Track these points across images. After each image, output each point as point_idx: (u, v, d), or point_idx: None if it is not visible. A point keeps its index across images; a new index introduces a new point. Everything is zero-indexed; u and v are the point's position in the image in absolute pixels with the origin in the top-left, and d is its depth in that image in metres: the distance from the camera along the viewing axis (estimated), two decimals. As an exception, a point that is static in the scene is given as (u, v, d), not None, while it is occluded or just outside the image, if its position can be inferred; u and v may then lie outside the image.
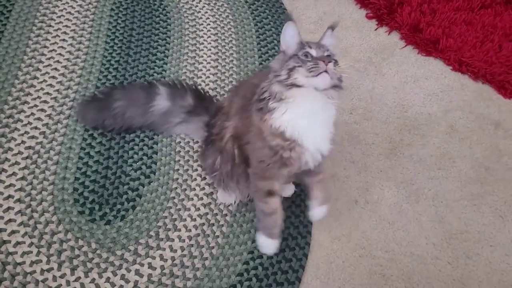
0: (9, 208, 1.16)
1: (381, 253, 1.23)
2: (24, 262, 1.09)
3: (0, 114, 1.31)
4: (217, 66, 1.54)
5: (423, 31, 1.72)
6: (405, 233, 1.27)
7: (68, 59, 1.47)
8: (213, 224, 1.21)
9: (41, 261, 1.10)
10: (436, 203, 1.33)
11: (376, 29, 1.78)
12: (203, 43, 1.60)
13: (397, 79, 1.62)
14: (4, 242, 1.11)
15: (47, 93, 1.39)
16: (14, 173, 1.22)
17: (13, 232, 1.13)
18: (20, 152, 1.26)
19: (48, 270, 1.09)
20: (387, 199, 1.33)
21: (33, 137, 1.29)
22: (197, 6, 1.71)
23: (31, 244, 1.12)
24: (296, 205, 1.28)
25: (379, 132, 1.47)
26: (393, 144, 1.45)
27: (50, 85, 1.41)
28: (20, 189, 1.19)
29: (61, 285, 1.07)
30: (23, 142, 1.28)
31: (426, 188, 1.36)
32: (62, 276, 1.08)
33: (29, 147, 1.27)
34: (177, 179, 1.27)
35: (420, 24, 1.74)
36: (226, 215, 1.23)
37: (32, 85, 1.39)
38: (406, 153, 1.43)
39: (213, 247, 1.17)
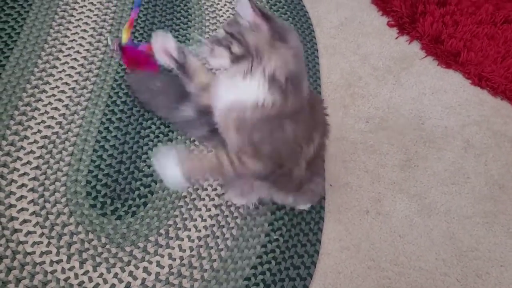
0: (22, 197, 1.16)
1: (390, 265, 1.22)
2: (34, 252, 1.09)
3: (18, 101, 1.31)
4: None
5: (444, 42, 1.70)
6: (415, 247, 1.26)
7: (88, 50, 1.47)
8: (223, 226, 1.21)
9: (51, 252, 1.10)
10: (448, 219, 1.32)
11: (396, 38, 1.76)
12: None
13: (416, 90, 1.61)
14: (16, 231, 1.11)
15: (65, 83, 1.39)
16: (29, 162, 1.22)
17: (24, 221, 1.13)
18: (35, 141, 1.26)
19: (58, 262, 1.09)
20: (399, 212, 1.32)
21: (49, 126, 1.29)
22: (218, 4, 1.70)
23: (42, 234, 1.12)
24: (307, 212, 1.27)
25: (395, 143, 1.46)
26: (408, 156, 1.43)
27: (69, 75, 1.40)
28: (34, 179, 1.20)
29: (69, 277, 1.08)
30: (39, 131, 1.28)
31: (439, 202, 1.35)
32: (70, 269, 1.09)
33: (45, 137, 1.27)
34: (190, 178, 1.27)
35: (442, 35, 1.72)
36: (236, 217, 1.23)
37: (51, 74, 1.39)
38: (420, 166, 1.41)
39: (222, 249, 1.17)
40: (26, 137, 1.26)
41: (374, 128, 1.49)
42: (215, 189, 1.27)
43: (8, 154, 1.22)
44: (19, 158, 1.22)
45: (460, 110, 1.56)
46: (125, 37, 1.24)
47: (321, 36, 1.72)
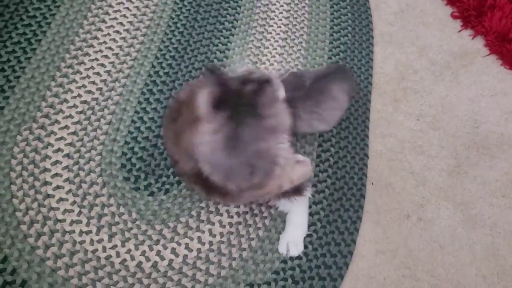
0: (57, 162, 1.15)
1: (426, 276, 1.16)
2: (64, 220, 1.08)
3: (61, 62, 1.28)
4: (283, 54, 1.45)
5: (511, 41, 1.57)
6: (455, 259, 1.19)
7: (134, 15, 1.42)
8: (256, 215, 1.16)
9: (81, 222, 1.09)
10: (493, 233, 1.24)
11: (459, 31, 1.64)
12: (272, 26, 1.51)
13: (474, 90, 1.50)
14: (48, 196, 1.10)
15: (109, 48, 1.35)
16: (66, 126, 1.20)
17: (58, 187, 1.11)
18: (75, 106, 1.23)
19: (87, 233, 1.08)
20: (442, 220, 1.24)
21: (89, 91, 1.26)
22: (274, 5, 1.61)
23: (74, 202, 1.10)
24: (345, 209, 1.21)
25: (445, 146, 1.37)
26: (458, 161, 1.34)
27: (114, 39, 1.36)
28: (70, 144, 1.17)
29: (97, 249, 1.06)
30: (79, 95, 1.25)
31: (486, 215, 1.26)
32: (99, 241, 1.07)
33: (85, 102, 1.24)
34: (227, 160, 1.22)
35: (510, 33, 1.58)
36: (270, 207, 1.18)
37: (95, 37, 1.35)
38: (470, 173, 1.32)
39: (252, 239, 1.13)
40: (65, 100, 1.24)
41: (424, 127, 1.40)
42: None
43: (46, 116, 1.20)
44: (57, 121, 1.20)
45: (520, 117, 1.45)
46: None
47: (378, 22, 1.62)
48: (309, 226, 1.17)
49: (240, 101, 0.81)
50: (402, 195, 1.28)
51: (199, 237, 1.12)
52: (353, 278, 1.14)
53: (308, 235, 1.16)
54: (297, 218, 1.14)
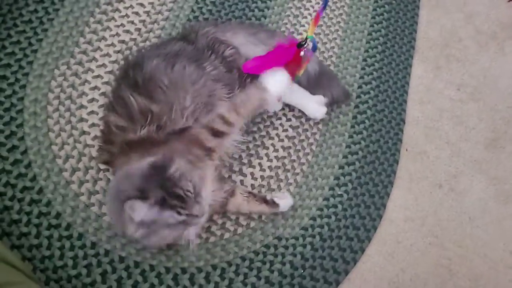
0: (93, 99, 1.13)
1: (453, 246, 1.15)
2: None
3: (100, -2, 1.25)
4: (321, 25, 1.39)
5: None
6: (483, 233, 1.18)
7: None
8: (288, 170, 1.15)
9: (115, 161, 1.08)
10: (524, 210, 1.22)
11: (509, 0, 1.56)
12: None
13: (519, 64, 1.44)
14: (84, 132, 1.09)
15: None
16: (104, 65, 1.18)
17: (93, 125, 1.11)
18: (113, 44, 1.21)
19: (120, 172, 1.08)
20: (474, 193, 1.23)
21: (128, 31, 1.23)
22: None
23: (109, 141, 1.10)
24: (377, 173, 1.20)
25: (484, 118, 1.33)
26: (496, 135, 1.31)
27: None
28: (107, 83, 1.16)
29: (130, 190, 1.06)
30: (117, 34, 1.22)
31: (519, 191, 1.24)
32: (132, 182, 1.07)
33: (123, 41, 1.22)
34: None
35: None
36: (302, 164, 1.17)
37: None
38: (507, 148, 1.30)
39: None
40: (104, 38, 1.21)
41: (465, 97, 1.36)
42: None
43: (84, 52, 1.18)
44: (95, 58, 1.18)
45: None
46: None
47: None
48: (339, 187, 1.17)
49: None
50: (436, 164, 1.26)
51: (251, 173, 1.14)
52: (380, 241, 1.14)
53: (339, 195, 1.16)
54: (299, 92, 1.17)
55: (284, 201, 1.07)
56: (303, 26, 1.37)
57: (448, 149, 1.28)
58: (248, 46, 1.10)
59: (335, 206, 1.14)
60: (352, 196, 1.16)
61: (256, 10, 1.35)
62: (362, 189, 1.18)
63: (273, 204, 1.05)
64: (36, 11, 1.19)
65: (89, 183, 1.05)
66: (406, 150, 1.26)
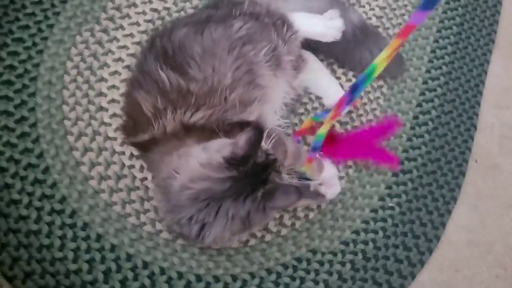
0: (116, 72, 1.00)
1: (526, 283, 0.95)
2: (115, 139, 0.94)
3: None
4: (384, 8, 1.20)
5: None
6: None
7: None
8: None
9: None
10: None
11: None
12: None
13: None
14: (101, 108, 0.96)
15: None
16: (131, 34, 1.04)
17: (113, 100, 0.97)
18: (143, 12, 1.06)
19: (137, 157, 0.94)
20: (556, 220, 1.01)
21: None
22: None
23: (128, 120, 0.96)
24: (438, 186, 1.01)
25: None
26: None
27: None
28: (133, 55, 1.02)
29: (146, 178, 0.93)
30: (150, 1, 1.08)
31: None
32: (150, 169, 0.93)
33: (155, 10, 1.07)
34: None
35: None
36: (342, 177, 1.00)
37: None
38: None
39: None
40: (134, 4, 1.07)
41: (551, 104, 1.14)
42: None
43: (111, 19, 1.04)
44: (122, 26, 1.04)
45: None
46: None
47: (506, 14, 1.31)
48: (391, 197, 0.98)
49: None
50: (510, 181, 1.05)
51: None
52: (435, 267, 0.95)
53: (389, 208, 0.98)
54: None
55: (332, 190, 0.92)
56: (363, 6, 1.18)
57: (527, 165, 1.07)
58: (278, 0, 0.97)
59: (384, 220, 0.96)
60: (405, 210, 0.98)
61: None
62: (418, 202, 0.99)
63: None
64: (62, -32, 1.07)
65: (101, 166, 0.92)
66: (476, 161, 1.06)
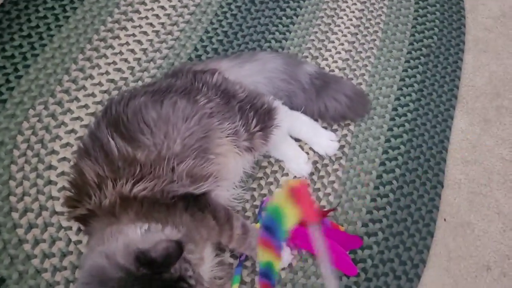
0: (67, 144, 0.98)
1: None
2: (62, 213, 0.91)
3: (93, 34, 1.13)
4: (350, 51, 1.21)
5: None
6: (549, 337, 0.89)
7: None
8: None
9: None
10: None
11: None
12: (342, 18, 1.28)
13: None
14: (50, 182, 0.94)
15: (150, 24, 1.18)
16: (86, 106, 1.03)
17: (62, 173, 0.95)
18: (100, 83, 1.07)
19: (85, 232, 0.90)
20: (534, 280, 0.95)
21: (119, 69, 1.10)
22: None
23: (78, 194, 0.93)
24: (405, 248, 0.95)
25: (546, 184, 1.07)
26: None
27: (156, 15, 1.20)
28: (86, 126, 1.01)
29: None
30: (107, 72, 1.09)
31: None
32: (98, 244, 0.89)
33: (112, 80, 1.08)
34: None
35: None
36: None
37: (136, 10, 1.19)
38: None
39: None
40: (91, 76, 1.07)
41: (519, 155, 1.11)
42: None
43: (66, 91, 1.05)
44: (77, 98, 1.04)
45: None
46: None
47: (473, 26, 1.34)
48: (357, 263, 0.93)
49: None
50: (483, 240, 0.99)
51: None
52: None
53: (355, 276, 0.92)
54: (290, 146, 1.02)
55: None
56: (326, 59, 1.18)
57: (499, 222, 1.02)
58: (233, 69, 0.99)
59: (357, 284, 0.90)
60: (371, 276, 0.92)
61: (273, 41, 1.19)
62: (384, 267, 0.93)
63: None
64: (20, 45, 1.08)
65: (45, 243, 0.88)
66: (445, 220, 1.01)
